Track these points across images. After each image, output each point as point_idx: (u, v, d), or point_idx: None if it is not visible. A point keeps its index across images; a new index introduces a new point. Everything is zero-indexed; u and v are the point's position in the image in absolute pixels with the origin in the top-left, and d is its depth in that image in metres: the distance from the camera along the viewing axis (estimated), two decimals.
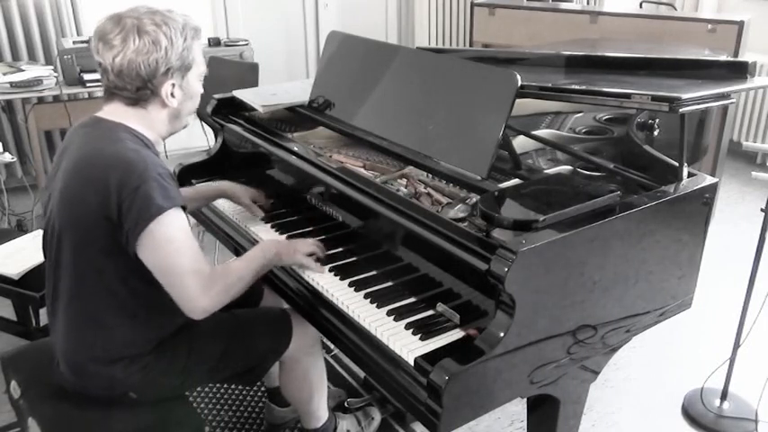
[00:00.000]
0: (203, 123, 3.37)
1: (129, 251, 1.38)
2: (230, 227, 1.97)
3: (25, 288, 2.12)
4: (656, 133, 1.93)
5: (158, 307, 1.48)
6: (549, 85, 1.67)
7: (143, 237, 1.35)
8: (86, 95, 3.67)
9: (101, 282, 1.43)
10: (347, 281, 1.60)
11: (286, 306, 1.79)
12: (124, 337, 1.48)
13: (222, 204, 2.05)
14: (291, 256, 1.63)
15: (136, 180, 1.34)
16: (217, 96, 2.26)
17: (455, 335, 1.39)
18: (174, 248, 1.38)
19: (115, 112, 1.46)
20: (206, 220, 2.08)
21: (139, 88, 1.42)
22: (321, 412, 1.93)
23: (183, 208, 1.42)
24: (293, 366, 1.80)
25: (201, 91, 1.56)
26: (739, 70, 1.74)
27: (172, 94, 1.46)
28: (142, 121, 1.47)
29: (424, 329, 1.39)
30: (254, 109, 2.15)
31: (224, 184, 1.99)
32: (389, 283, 1.58)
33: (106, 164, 1.37)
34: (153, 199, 1.34)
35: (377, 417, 2.17)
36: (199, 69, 1.51)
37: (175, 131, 1.57)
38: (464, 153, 1.57)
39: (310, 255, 1.65)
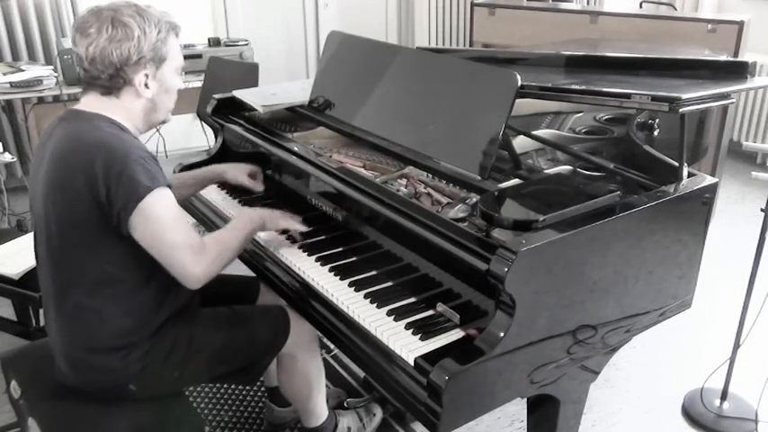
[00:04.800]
0: (203, 123, 3.37)
1: (122, 232, 1.42)
2: None
3: (25, 288, 2.12)
4: (656, 133, 1.93)
5: (150, 292, 1.51)
6: (549, 85, 1.67)
7: (134, 217, 1.41)
8: None
9: (91, 269, 1.46)
10: (347, 281, 1.60)
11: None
12: (119, 324, 1.50)
13: (221, 203, 2.05)
14: (275, 222, 1.73)
15: (119, 164, 1.39)
16: (217, 96, 2.26)
17: (455, 335, 1.39)
18: (165, 225, 1.44)
19: (92, 102, 1.50)
20: (205, 220, 2.08)
21: (112, 76, 1.46)
22: (320, 410, 1.93)
23: (169, 187, 1.47)
24: (291, 363, 1.80)
25: (181, 86, 1.60)
26: (739, 70, 1.74)
27: (146, 85, 1.50)
28: (118, 111, 1.50)
29: (424, 329, 1.39)
30: (254, 109, 2.15)
31: (219, 167, 2.01)
32: (389, 283, 1.58)
33: (89, 150, 1.41)
34: (138, 180, 1.39)
35: (378, 413, 2.17)
36: (174, 63, 1.55)
37: (153, 126, 1.61)
38: (464, 153, 1.57)
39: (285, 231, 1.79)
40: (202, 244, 1.51)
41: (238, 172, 1.98)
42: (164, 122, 1.63)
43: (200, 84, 3.41)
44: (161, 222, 1.43)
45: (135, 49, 1.44)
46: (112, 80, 1.47)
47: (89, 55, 1.44)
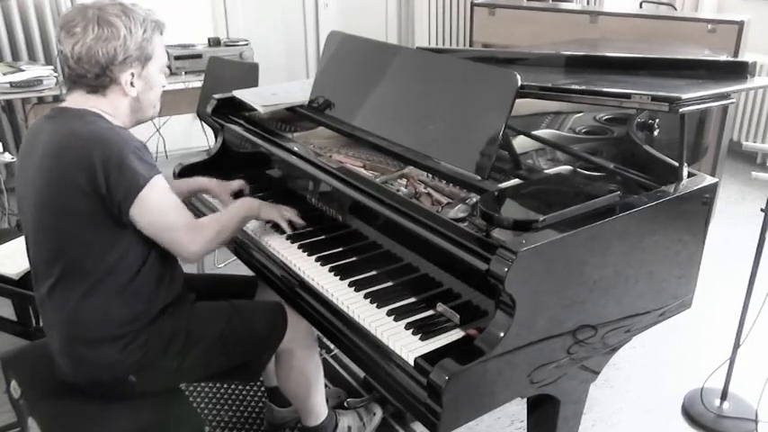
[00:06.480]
0: (203, 123, 3.36)
1: (123, 221, 1.46)
2: None
3: (25, 288, 2.11)
4: (656, 133, 1.93)
5: (141, 281, 1.53)
6: (549, 85, 1.67)
7: (135, 206, 1.45)
8: None
9: (87, 263, 1.47)
10: (347, 281, 1.60)
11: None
12: (115, 316, 1.51)
13: (221, 204, 2.05)
14: (269, 212, 1.80)
15: (116, 156, 1.42)
16: (217, 96, 2.26)
17: (455, 335, 1.39)
18: (163, 209, 1.51)
19: (78, 100, 1.52)
20: None
21: (98, 75, 1.48)
22: (320, 409, 1.94)
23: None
24: (289, 359, 1.81)
25: (165, 84, 1.63)
26: (739, 70, 1.74)
27: (132, 84, 1.52)
28: (105, 108, 1.52)
29: (424, 329, 1.39)
30: (254, 109, 2.15)
31: (202, 181, 2.01)
32: (389, 283, 1.58)
33: (85, 144, 1.43)
34: (137, 171, 1.43)
35: (378, 412, 2.17)
36: (159, 62, 1.57)
37: (139, 122, 1.63)
38: (464, 153, 1.57)
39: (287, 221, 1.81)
40: (198, 224, 1.59)
41: (221, 189, 1.98)
42: (151, 118, 1.66)
43: (200, 84, 3.40)
44: (160, 208, 1.49)
45: (121, 48, 1.46)
46: (99, 79, 1.48)
47: (75, 54, 1.45)
